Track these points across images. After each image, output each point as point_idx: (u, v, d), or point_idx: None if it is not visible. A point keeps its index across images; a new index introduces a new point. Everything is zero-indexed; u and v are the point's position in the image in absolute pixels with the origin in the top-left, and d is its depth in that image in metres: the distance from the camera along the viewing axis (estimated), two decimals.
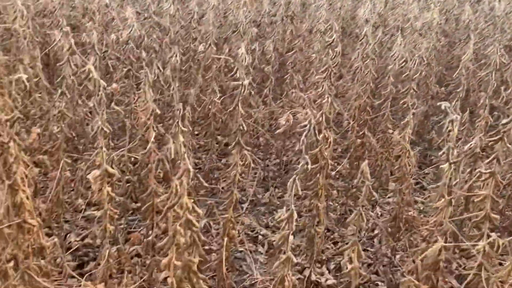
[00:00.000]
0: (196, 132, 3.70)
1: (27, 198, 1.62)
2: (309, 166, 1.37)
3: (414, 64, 2.45)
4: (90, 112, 2.85)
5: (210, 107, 3.06)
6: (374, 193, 1.46)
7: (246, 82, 1.86)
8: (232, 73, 1.93)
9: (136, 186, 2.76)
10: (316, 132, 1.46)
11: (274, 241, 2.75)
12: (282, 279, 1.48)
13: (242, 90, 1.88)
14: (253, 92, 3.07)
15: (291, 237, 1.49)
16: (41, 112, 2.47)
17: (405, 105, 2.39)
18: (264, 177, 3.32)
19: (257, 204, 3.09)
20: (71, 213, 2.75)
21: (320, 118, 1.83)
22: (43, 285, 1.69)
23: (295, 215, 1.44)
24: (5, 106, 1.89)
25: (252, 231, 2.83)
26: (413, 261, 2.02)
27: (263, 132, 3.22)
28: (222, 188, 3.30)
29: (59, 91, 2.08)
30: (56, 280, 2.06)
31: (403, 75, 2.85)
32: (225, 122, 3.50)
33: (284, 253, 1.49)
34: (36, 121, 2.68)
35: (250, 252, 2.63)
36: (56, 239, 1.74)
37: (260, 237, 2.78)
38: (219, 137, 3.62)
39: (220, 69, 3.28)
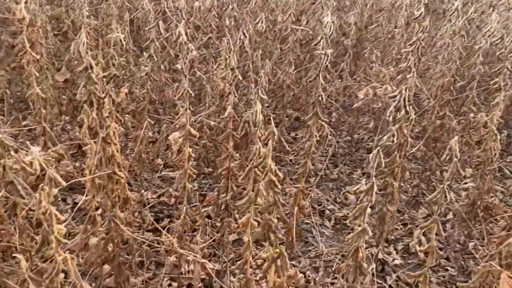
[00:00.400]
0: (266, 104, 3.72)
1: (117, 151, 1.73)
2: (395, 139, 1.33)
3: (510, 42, 2.27)
4: (171, 78, 2.97)
5: (284, 78, 3.05)
6: (461, 171, 1.40)
7: (329, 51, 1.83)
8: (314, 42, 1.89)
9: (210, 152, 2.86)
10: (406, 104, 1.42)
11: (341, 216, 2.76)
12: (356, 250, 1.48)
13: (325, 60, 1.86)
14: (329, 66, 3.02)
15: (368, 209, 1.47)
16: (130, 74, 2.61)
17: (496, 86, 2.23)
18: (334, 153, 3.29)
19: (325, 180, 3.08)
20: (149, 172, 2.91)
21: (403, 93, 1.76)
22: (127, 234, 1.81)
23: (376, 188, 1.42)
24: (97, 65, 2.01)
25: (319, 205, 2.84)
26: (489, 250, 1.93)
27: (337, 107, 3.17)
28: (290, 160, 3.33)
29: (147, 54, 2.17)
30: (134, 232, 2.21)
31: (495, 54, 2.65)
32: (297, 95, 3.49)
33: (360, 225, 1.47)
34: (120, 83, 2.84)
35: (317, 225, 2.64)
36: (142, 191, 1.85)
37: (327, 211, 2.78)
38: (289, 111, 3.62)
39: (297, 41, 3.25)
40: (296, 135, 3.52)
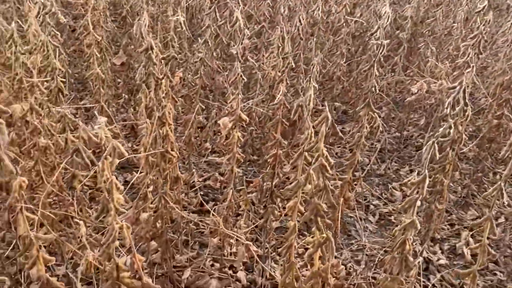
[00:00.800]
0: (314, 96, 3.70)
1: (171, 131, 1.79)
2: (451, 131, 1.30)
3: None
4: (222, 66, 3.02)
5: (335, 70, 3.03)
6: None
7: (385, 42, 1.80)
8: (369, 33, 1.87)
9: (256, 139, 2.89)
10: (466, 96, 1.37)
11: (386, 212, 2.72)
12: (403, 243, 1.46)
13: (380, 50, 1.83)
14: (381, 59, 2.97)
15: (418, 202, 1.45)
16: (184, 58, 2.68)
17: None
18: (382, 149, 3.24)
19: (371, 175, 3.04)
20: (196, 156, 2.98)
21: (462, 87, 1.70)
22: (176, 211, 1.88)
23: (427, 181, 1.39)
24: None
25: (363, 200, 2.80)
26: None
27: (388, 101, 3.11)
28: (336, 153, 3.31)
29: (202, 39, 2.22)
30: (182, 211, 2.28)
31: None
32: (347, 88, 3.45)
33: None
34: (173, 69, 2.91)
35: (360, 219, 2.62)
36: (194, 171, 1.91)
37: (371, 206, 2.75)
38: (336, 103, 3.59)
39: (349, 33, 3.21)
40: (343, 128, 3.49)
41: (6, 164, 1.10)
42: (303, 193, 1.44)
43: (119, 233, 1.28)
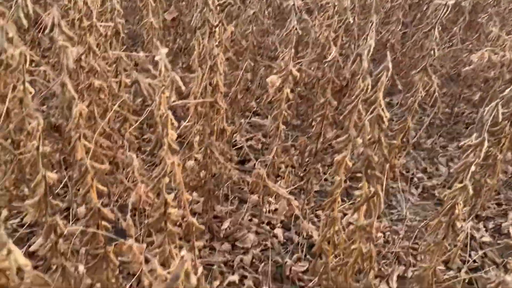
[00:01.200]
0: None
1: (221, 81, 1.79)
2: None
3: None
4: (272, 26, 2.97)
5: (389, 37, 2.92)
6: None
7: (451, 2, 1.71)
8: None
9: (301, 104, 2.86)
10: None
11: (430, 186, 2.65)
12: (452, 207, 1.42)
13: (444, 11, 1.74)
14: (440, 27, 2.83)
15: (473, 167, 1.39)
16: (238, 11, 2.65)
17: None
18: (430, 123, 3.13)
19: (416, 148, 2.95)
20: (239, 117, 2.99)
21: None
22: (222, 163, 1.90)
23: (486, 144, 1.34)
24: None
25: (407, 172, 2.74)
26: None
27: (442, 74, 2.99)
28: None
29: None
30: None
31: None
32: (399, 58, 3.33)
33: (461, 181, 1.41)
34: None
35: (403, 191, 2.57)
36: (242, 121, 1.90)
37: (415, 179, 2.68)
38: None
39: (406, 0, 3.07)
40: (390, 100, 3.39)
41: (69, 89, 1.13)
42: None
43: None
